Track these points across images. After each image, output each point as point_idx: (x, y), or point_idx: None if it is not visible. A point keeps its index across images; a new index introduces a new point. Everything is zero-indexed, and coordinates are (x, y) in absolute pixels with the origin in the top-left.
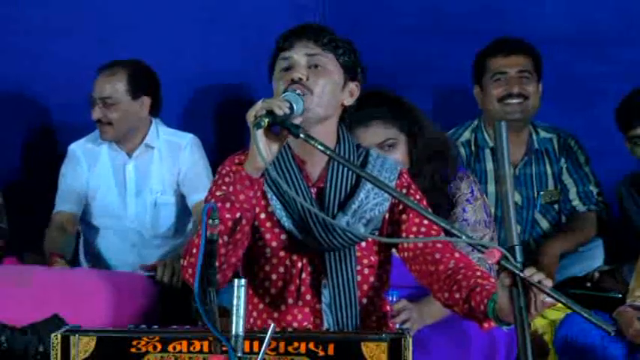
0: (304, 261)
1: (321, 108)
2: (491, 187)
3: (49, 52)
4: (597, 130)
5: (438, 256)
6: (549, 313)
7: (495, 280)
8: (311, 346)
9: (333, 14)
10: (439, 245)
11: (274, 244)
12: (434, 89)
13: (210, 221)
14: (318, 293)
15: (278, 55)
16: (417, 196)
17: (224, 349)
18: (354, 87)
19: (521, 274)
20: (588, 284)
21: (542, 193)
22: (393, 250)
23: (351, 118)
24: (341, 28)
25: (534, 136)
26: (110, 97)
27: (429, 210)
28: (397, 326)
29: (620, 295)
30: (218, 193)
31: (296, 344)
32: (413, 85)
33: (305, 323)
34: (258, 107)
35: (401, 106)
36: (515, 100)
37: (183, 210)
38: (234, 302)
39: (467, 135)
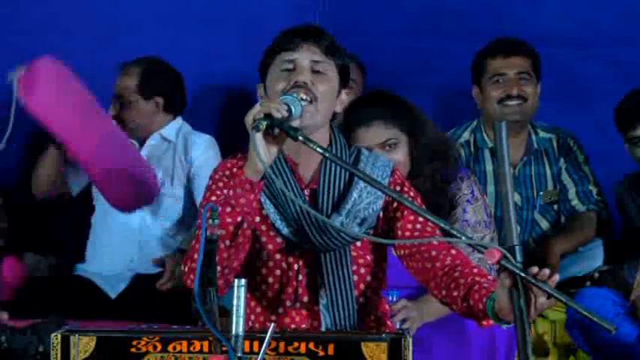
0: (300, 263)
1: (322, 114)
2: (490, 188)
3: (48, 52)
4: (597, 130)
5: (434, 253)
6: (549, 313)
7: (493, 278)
8: (311, 346)
9: (333, 14)
10: (435, 242)
11: (270, 246)
12: (434, 89)
13: (210, 221)
14: (316, 295)
15: (278, 53)
16: (412, 193)
17: (224, 349)
18: (344, 94)
19: (522, 274)
20: (588, 284)
21: (541, 193)
22: (393, 252)
23: (352, 118)
24: (341, 28)
25: (533, 137)
26: (122, 95)
27: (423, 207)
28: (397, 326)
29: None
30: (213, 198)
31: (296, 344)
32: (413, 85)
33: (303, 325)
34: (257, 110)
35: (402, 107)
36: (514, 102)
37: (190, 206)
38: (234, 302)
39: (466, 136)
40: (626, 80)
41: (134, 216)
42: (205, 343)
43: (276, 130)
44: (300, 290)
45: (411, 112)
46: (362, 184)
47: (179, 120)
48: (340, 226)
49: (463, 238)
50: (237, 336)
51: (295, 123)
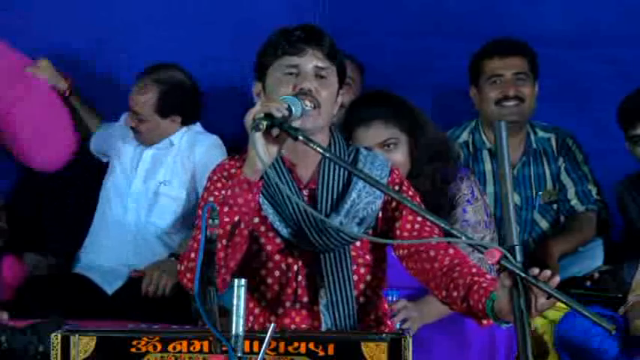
0: (300, 263)
1: (323, 119)
2: (489, 188)
3: (47, 53)
4: (596, 130)
5: (432, 253)
6: (549, 313)
7: (492, 277)
8: (311, 346)
9: (333, 14)
10: (433, 242)
11: (269, 247)
12: (434, 89)
13: (210, 221)
14: (315, 295)
15: (280, 55)
16: (410, 193)
17: (224, 349)
18: (341, 95)
19: (522, 274)
20: (588, 284)
21: (540, 193)
22: (393, 252)
23: (352, 118)
24: (341, 28)
25: (532, 136)
26: (139, 113)
27: (422, 206)
28: (397, 326)
29: (620, 295)
30: (211, 199)
31: (296, 344)
32: (413, 85)
33: (303, 325)
34: (257, 110)
35: (402, 107)
36: (511, 103)
37: (191, 206)
38: (234, 302)
39: (464, 136)
40: (626, 80)
41: (129, 213)
42: (205, 343)
43: (276, 130)
44: (300, 291)
45: (411, 112)
46: (361, 184)
47: (188, 127)
48: (339, 226)
49: (463, 238)
50: (237, 336)
51: (296, 123)
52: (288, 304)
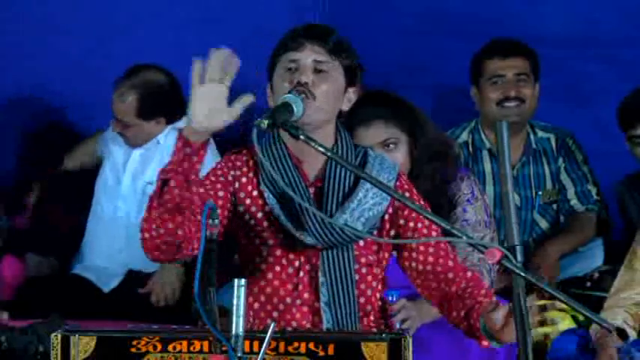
0: (302, 259)
1: (321, 113)
2: (489, 188)
3: (46, 53)
4: (596, 130)
5: (451, 275)
6: (550, 313)
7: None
8: (311, 346)
9: (333, 14)
10: (451, 264)
11: (271, 242)
12: (434, 89)
13: (210, 221)
14: (317, 292)
15: (283, 53)
16: (414, 196)
17: (224, 349)
18: (352, 93)
19: (522, 274)
20: (588, 284)
21: (540, 193)
22: (394, 253)
23: (352, 118)
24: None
25: (532, 136)
26: (122, 119)
27: (429, 210)
28: (397, 326)
29: None
30: (206, 182)
31: (296, 344)
32: (413, 85)
33: (304, 322)
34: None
35: (402, 106)
36: (512, 104)
37: None
38: (234, 302)
39: (464, 136)
40: (626, 80)
41: (120, 212)
42: (205, 343)
43: (240, 103)
44: (301, 287)
45: (411, 111)
46: (369, 184)
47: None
48: (344, 225)
49: (464, 237)
50: (237, 336)
51: (298, 122)
52: (289, 300)
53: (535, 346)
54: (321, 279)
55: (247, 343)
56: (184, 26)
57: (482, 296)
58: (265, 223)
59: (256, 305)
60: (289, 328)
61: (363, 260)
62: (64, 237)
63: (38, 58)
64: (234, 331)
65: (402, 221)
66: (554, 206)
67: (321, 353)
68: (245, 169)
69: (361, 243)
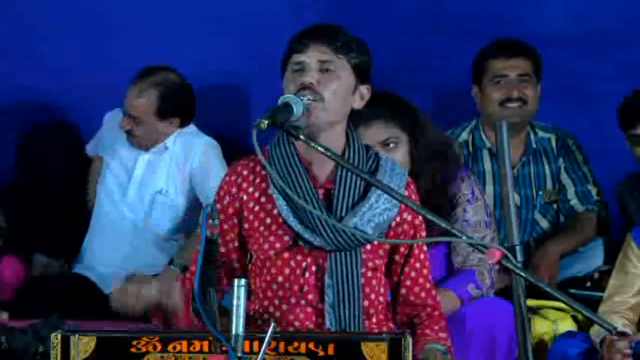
0: (309, 260)
1: (329, 113)
2: (489, 188)
3: (46, 53)
4: (597, 130)
5: (418, 302)
6: (550, 314)
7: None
8: (311, 346)
9: (333, 14)
10: (423, 295)
11: (278, 245)
12: (434, 89)
13: (210, 221)
14: (322, 293)
15: (290, 55)
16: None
17: (224, 349)
18: (364, 90)
19: (522, 274)
20: (588, 284)
21: (540, 193)
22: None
23: (352, 117)
24: None
25: (532, 136)
26: (137, 116)
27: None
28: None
29: None
30: (217, 206)
31: (296, 344)
32: (413, 85)
33: (307, 322)
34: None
35: (403, 106)
36: (514, 104)
37: (193, 211)
38: (234, 302)
39: (464, 136)
40: (626, 80)
41: (125, 220)
42: (205, 343)
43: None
44: (306, 288)
45: (411, 111)
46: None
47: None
48: (353, 229)
49: (464, 237)
50: (237, 336)
51: (301, 122)
52: (293, 300)
53: (535, 346)
54: (327, 281)
55: (247, 343)
56: (184, 26)
57: (434, 332)
58: (274, 227)
59: (261, 305)
60: (290, 329)
61: (369, 264)
62: (67, 237)
63: (36, 59)
64: (234, 331)
65: (396, 257)
66: (555, 206)
67: (321, 353)
68: (252, 177)
69: (369, 247)
